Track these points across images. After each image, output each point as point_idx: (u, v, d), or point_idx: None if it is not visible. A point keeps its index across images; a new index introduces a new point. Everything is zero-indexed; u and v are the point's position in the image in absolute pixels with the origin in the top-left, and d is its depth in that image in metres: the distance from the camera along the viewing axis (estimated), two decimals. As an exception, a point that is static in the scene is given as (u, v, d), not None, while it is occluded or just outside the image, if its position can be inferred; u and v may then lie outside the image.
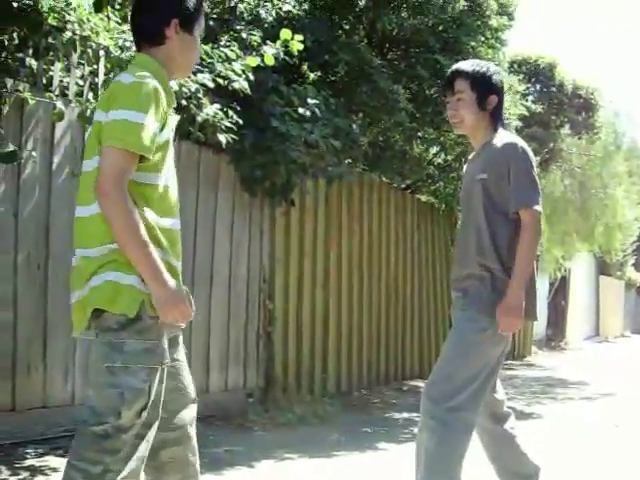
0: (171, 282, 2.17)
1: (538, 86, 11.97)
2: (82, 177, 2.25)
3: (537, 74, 11.81)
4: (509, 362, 12.22)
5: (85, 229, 2.24)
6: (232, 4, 5.95)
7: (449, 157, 9.36)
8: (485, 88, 3.02)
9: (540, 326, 16.25)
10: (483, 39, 7.61)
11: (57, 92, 4.49)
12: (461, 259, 3.12)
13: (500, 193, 2.94)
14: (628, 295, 29.33)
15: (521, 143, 2.99)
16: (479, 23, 7.51)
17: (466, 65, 3.08)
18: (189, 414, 2.36)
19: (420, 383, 8.60)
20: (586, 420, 6.52)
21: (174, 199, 2.36)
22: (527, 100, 10.44)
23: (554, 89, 11.82)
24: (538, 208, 2.91)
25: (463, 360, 2.94)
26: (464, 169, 3.31)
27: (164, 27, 2.24)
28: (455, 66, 3.11)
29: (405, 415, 6.42)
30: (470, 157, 3.26)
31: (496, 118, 3.07)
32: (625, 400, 7.95)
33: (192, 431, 2.36)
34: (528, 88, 11.16)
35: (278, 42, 5.28)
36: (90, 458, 2.04)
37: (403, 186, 9.30)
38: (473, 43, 7.41)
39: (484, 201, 2.96)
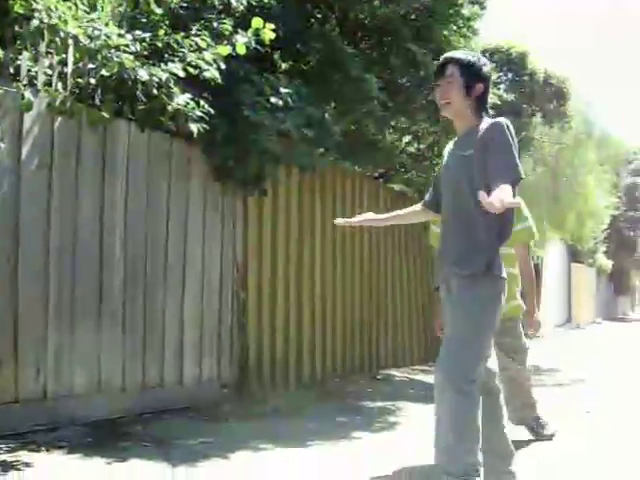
0: None
1: (510, 75, 12.01)
2: None
3: (509, 63, 11.85)
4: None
5: None
6: (203, -8, 5.88)
7: (421, 146, 9.38)
8: (473, 76, 3.23)
9: (513, 313, 16.35)
10: (455, 28, 7.62)
11: (25, 82, 4.42)
12: (455, 247, 3.25)
13: (481, 174, 3.04)
14: (599, 282, 29.69)
15: (506, 121, 3.13)
16: (451, 12, 7.51)
17: (459, 54, 3.33)
18: None
19: (394, 372, 8.64)
20: (558, 406, 6.58)
21: None
22: (499, 89, 10.48)
23: (526, 78, 11.87)
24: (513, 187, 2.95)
25: (477, 335, 3.15)
26: (445, 153, 3.42)
27: None
28: (449, 54, 3.35)
29: (379, 404, 6.44)
30: (452, 142, 3.40)
31: (481, 105, 3.27)
32: (596, 386, 8.04)
33: None
34: (500, 77, 11.21)
35: (250, 31, 5.24)
36: None
37: (376, 175, 9.30)
38: (445, 32, 7.42)
39: (471, 176, 3.10)
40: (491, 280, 3.17)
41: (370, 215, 3.66)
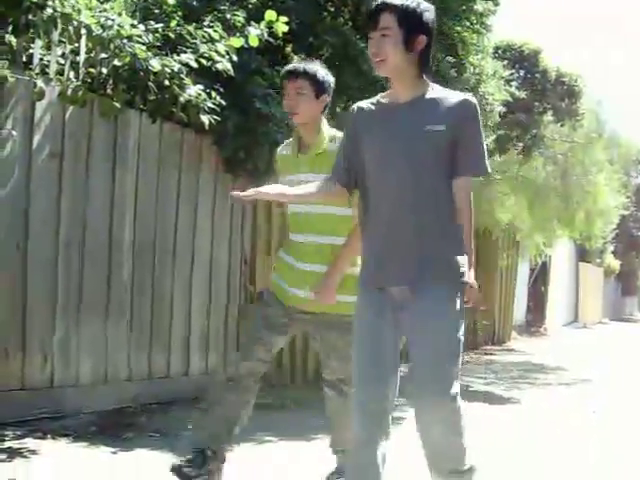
0: None
1: (522, 72, 11.96)
2: None
3: (521, 60, 11.80)
4: (489, 347, 12.33)
5: None
6: (216, -16, 5.87)
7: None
8: (414, 26, 2.64)
9: (520, 312, 16.36)
10: (468, 24, 7.58)
11: (37, 70, 4.43)
12: (410, 230, 2.67)
13: (449, 153, 2.65)
14: (607, 282, 29.59)
15: (474, 100, 2.74)
16: (464, 8, 7.47)
17: None
18: None
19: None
20: (564, 405, 6.57)
21: None
22: (511, 86, 10.43)
23: (538, 75, 11.81)
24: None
25: (457, 346, 2.65)
26: (367, 118, 2.81)
27: None
28: None
29: (385, 399, 6.43)
30: (388, 102, 2.81)
31: (424, 63, 2.71)
32: (602, 386, 8.02)
33: None
34: (512, 74, 11.15)
35: (262, 23, 5.23)
36: None
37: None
38: (458, 28, 7.38)
39: (439, 158, 2.65)
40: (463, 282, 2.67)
41: (271, 188, 2.90)
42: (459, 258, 2.66)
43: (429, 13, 2.68)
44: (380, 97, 2.86)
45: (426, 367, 2.62)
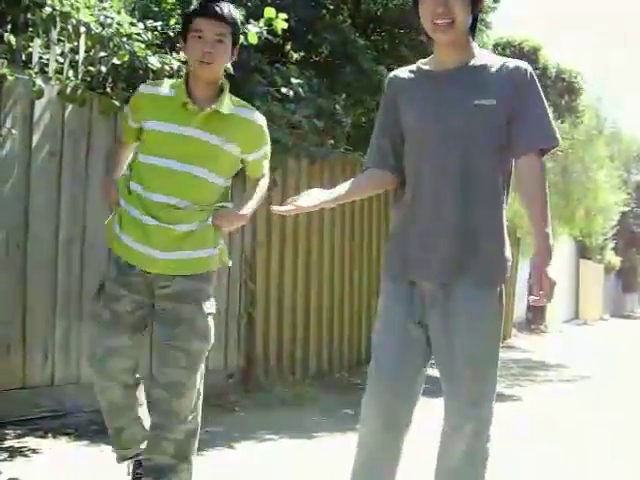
0: None
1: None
2: None
3: (521, 57, 11.78)
4: (489, 344, 12.30)
5: None
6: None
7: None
8: None
9: (520, 309, 16.36)
10: (468, 21, 7.59)
11: (36, 69, 4.43)
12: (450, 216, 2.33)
13: (503, 128, 2.32)
14: (607, 279, 29.58)
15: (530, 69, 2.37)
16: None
17: None
18: None
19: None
20: (565, 402, 6.58)
21: None
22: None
23: (538, 72, 11.82)
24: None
25: (494, 359, 2.38)
26: (424, 89, 2.42)
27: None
28: None
29: (386, 396, 6.44)
30: (431, 69, 2.43)
31: (475, 25, 2.42)
32: (603, 383, 8.03)
33: None
34: (512, 71, 11.16)
35: (262, 21, 5.23)
36: None
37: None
38: (457, 25, 7.39)
39: (491, 137, 2.31)
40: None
41: (316, 195, 2.51)
42: (505, 254, 2.38)
43: None
44: (420, 63, 2.48)
45: (457, 380, 2.36)
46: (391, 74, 2.56)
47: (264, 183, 3.24)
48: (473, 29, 2.39)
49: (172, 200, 2.79)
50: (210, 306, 2.91)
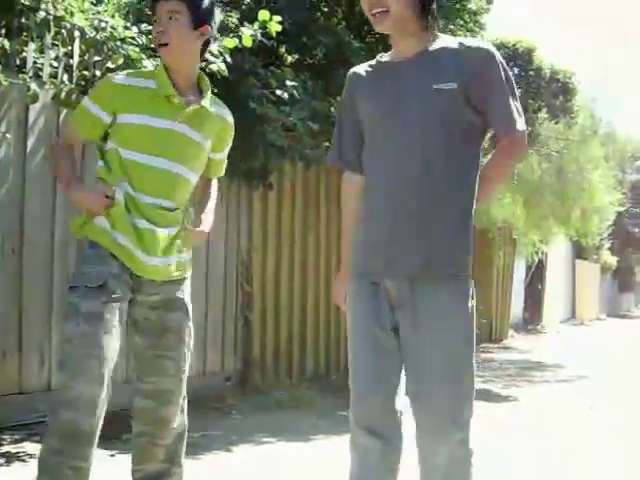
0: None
1: (516, 70, 11.98)
2: None
3: (515, 58, 11.81)
4: (486, 345, 12.32)
5: None
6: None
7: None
8: None
9: (517, 309, 16.37)
10: (462, 22, 7.59)
11: (31, 73, 4.42)
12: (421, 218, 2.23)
13: (467, 115, 2.26)
14: (604, 279, 29.63)
15: (495, 50, 2.31)
16: (457, 6, 7.48)
17: None
18: None
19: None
20: (562, 402, 6.58)
21: None
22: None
23: (532, 73, 11.84)
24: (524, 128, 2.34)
25: (470, 359, 2.35)
26: (369, 80, 2.40)
27: None
28: None
29: (383, 398, 6.44)
30: (389, 60, 2.40)
31: (427, 12, 2.32)
32: (600, 382, 8.04)
33: None
34: (506, 72, 11.17)
35: (256, 23, 5.23)
36: None
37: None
38: (451, 26, 7.39)
39: (452, 123, 2.24)
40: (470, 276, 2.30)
41: (341, 287, 2.50)
42: (470, 247, 2.27)
43: None
44: (379, 57, 2.45)
45: (428, 384, 2.27)
46: (350, 71, 2.51)
47: (216, 188, 3.04)
48: (426, 16, 2.31)
49: (163, 202, 2.64)
50: (191, 311, 2.84)
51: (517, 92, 2.34)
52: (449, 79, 2.22)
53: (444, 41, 2.32)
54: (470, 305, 2.29)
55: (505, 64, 2.31)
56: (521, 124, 2.31)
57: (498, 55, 2.29)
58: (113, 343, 2.57)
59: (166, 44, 2.57)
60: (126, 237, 2.59)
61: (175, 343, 2.75)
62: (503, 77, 2.28)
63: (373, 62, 2.45)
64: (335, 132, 2.55)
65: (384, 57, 2.43)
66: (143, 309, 2.69)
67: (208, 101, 2.71)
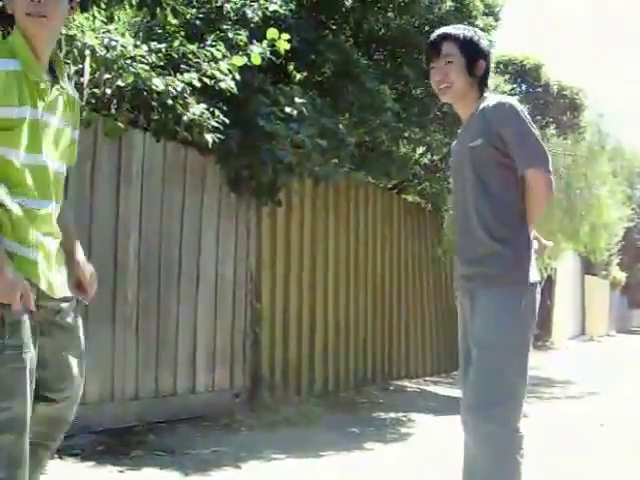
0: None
1: (524, 86, 12.02)
2: None
3: (523, 74, 11.86)
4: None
5: None
6: (219, 4, 5.93)
7: (435, 157, 9.38)
8: (474, 52, 2.87)
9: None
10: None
11: (42, 91, 4.46)
12: (466, 243, 2.88)
13: (497, 158, 2.76)
14: (613, 294, 29.51)
15: (514, 102, 2.82)
16: (465, 23, 7.51)
17: (454, 29, 2.93)
18: None
19: (406, 383, 8.61)
20: (572, 419, 6.55)
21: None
22: (513, 100, 10.46)
23: (540, 89, 11.87)
24: (548, 171, 2.74)
25: (513, 358, 2.93)
26: (454, 145, 3.09)
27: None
28: (442, 29, 2.95)
29: (392, 415, 6.43)
30: (460, 130, 3.06)
31: (483, 85, 2.92)
32: (610, 399, 7.99)
33: None
34: (514, 88, 11.20)
35: (265, 42, 5.27)
36: None
37: (389, 186, 9.31)
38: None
39: (482, 172, 2.78)
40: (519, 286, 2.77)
41: None
42: (511, 261, 2.75)
43: (485, 40, 2.94)
44: None
45: (470, 377, 2.78)
46: None
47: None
48: (482, 87, 2.89)
49: (53, 207, 2.28)
50: None
51: (536, 131, 2.77)
52: (478, 136, 2.76)
53: (483, 103, 2.83)
54: (512, 306, 2.85)
55: (521, 112, 2.76)
56: (536, 164, 2.72)
57: (514, 106, 2.76)
58: None
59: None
60: (43, 265, 2.27)
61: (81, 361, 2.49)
62: (522, 123, 2.74)
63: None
64: None
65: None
66: (47, 334, 2.36)
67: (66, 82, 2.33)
